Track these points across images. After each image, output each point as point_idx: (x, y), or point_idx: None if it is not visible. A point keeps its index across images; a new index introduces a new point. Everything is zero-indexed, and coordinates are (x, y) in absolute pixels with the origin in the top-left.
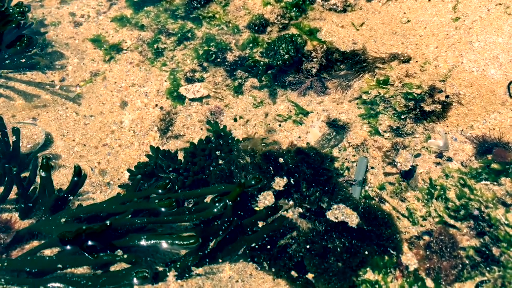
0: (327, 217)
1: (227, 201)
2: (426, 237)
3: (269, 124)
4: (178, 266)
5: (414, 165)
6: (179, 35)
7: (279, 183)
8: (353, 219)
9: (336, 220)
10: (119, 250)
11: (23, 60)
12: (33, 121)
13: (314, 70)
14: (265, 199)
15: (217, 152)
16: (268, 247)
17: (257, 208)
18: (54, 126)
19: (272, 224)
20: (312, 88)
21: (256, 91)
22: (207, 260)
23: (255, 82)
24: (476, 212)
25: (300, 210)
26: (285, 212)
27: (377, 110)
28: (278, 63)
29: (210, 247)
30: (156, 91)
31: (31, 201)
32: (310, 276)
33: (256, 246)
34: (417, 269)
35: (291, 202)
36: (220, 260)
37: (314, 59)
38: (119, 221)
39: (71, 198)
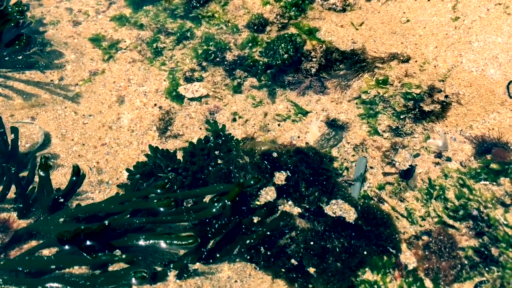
0: (325, 211)
1: (226, 201)
2: (425, 237)
3: (268, 124)
4: (175, 266)
5: (413, 165)
6: (178, 34)
7: (280, 177)
8: (350, 215)
9: (334, 215)
10: (117, 250)
11: (20, 56)
12: (32, 121)
13: (313, 70)
14: (267, 194)
15: (216, 152)
16: (269, 237)
17: (257, 202)
18: (52, 126)
19: (271, 223)
20: (311, 88)
21: (255, 91)
22: (205, 259)
23: (254, 82)
24: (475, 212)
25: (299, 210)
26: (283, 206)
27: (376, 110)
28: (277, 62)
29: (209, 247)
30: (155, 91)
31: (30, 201)
32: (311, 270)
33: (252, 241)
34: (416, 269)
35: (290, 202)
36: (218, 255)
37: (314, 59)
38: (118, 221)
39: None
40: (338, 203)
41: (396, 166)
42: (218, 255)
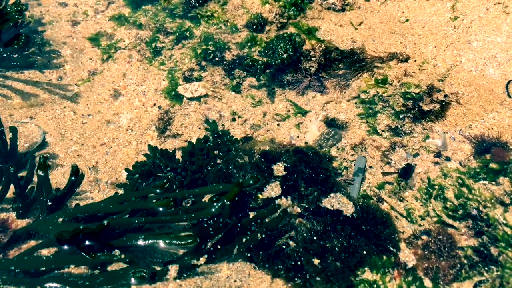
0: (323, 204)
1: (225, 200)
2: (425, 237)
3: (267, 124)
4: (175, 265)
5: (412, 164)
6: (177, 34)
7: (279, 169)
8: (348, 208)
9: (332, 208)
10: (116, 250)
11: (16, 55)
12: (30, 120)
13: (312, 69)
14: (272, 190)
15: (215, 152)
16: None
17: (260, 196)
18: (51, 125)
19: (271, 222)
20: (311, 87)
21: (255, 90)
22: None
23: (253, 81)
24: (474, 212)
25: (299, 209)
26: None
27: (375, 109)
28: (277, 62)
29: (208, 247)
30: (154, 90)
31: (28, 201)
32: (316, 261)
33: (249, 238)
34: (415, 269)
35: (289, 202)
36: (218, 248)
37: (313, 58)
38: (117, 221)
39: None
40: (337, 196)
41: (392, 164)
42: (219, 247)
